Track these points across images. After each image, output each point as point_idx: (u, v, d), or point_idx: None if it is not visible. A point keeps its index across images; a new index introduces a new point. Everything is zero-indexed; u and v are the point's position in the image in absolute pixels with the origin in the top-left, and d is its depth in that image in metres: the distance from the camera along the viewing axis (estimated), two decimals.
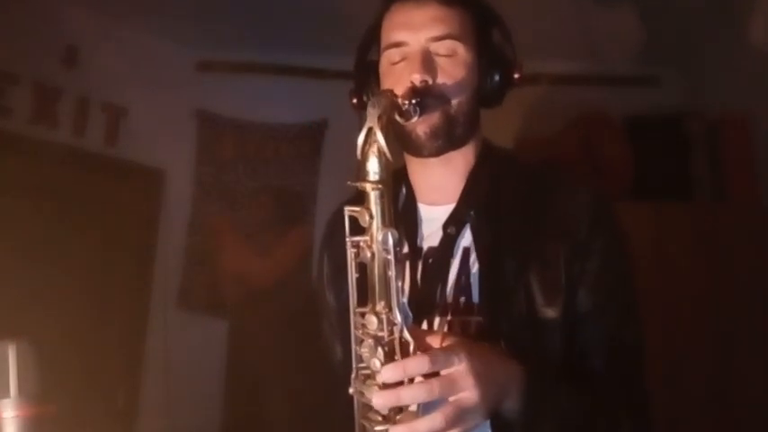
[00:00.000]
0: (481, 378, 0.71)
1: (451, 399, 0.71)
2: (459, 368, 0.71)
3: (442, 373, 0.71)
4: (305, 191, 3.25)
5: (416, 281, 0.94)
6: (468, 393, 0.71)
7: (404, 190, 1.01)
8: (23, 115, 2.69)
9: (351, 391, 0.78)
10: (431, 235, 0.97)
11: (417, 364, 0.70)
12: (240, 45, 3.18)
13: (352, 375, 0.78)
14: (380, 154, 0.76)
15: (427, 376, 0.71)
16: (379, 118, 0.76)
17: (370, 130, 0.76)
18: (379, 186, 0.76)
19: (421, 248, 0.97)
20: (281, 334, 2.75)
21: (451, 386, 0.71)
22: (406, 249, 0.96)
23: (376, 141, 0.76)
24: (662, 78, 3.17)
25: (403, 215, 0.98)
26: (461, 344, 0.73)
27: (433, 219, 0.98)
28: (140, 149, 3.03)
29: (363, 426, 0.78)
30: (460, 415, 0.71)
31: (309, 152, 3.29)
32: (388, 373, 0.71)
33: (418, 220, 0.99)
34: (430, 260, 0.95)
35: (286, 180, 3.27)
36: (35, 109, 2.73)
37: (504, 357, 0.79)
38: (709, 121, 2.75)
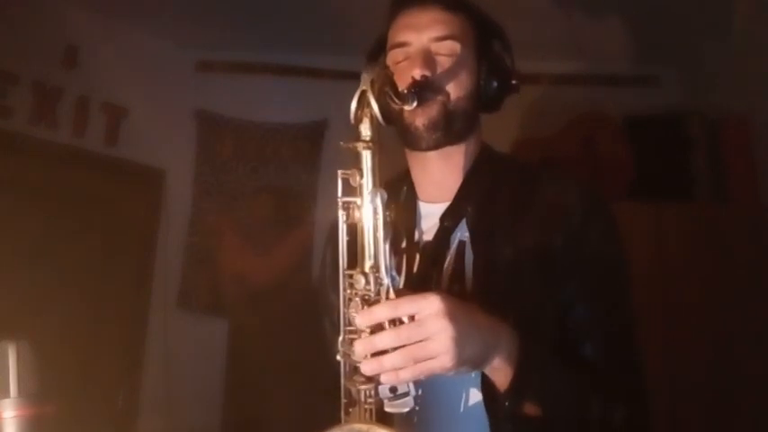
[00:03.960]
0: (455, 321, 0.72)
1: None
2: (430, 311, 0.72)
3: (417, 318, 0.73)
4: (305, 191, 3.24)
5: (413, 272, 0.96)
6: (437, 335, 0.71)
7: (405, 187, 1.05)
8: (23, 115, 2.69)
9: (338, 356, 0.79)
10: (429, 230, 1.00)
11: (383, 308, 0.73)
12: (240, 45, 3.18)
13: (340, 338, 0.79)
14: (372, 117, 0.78)
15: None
16: (372, 82, 0.79)
17: (363, 93, 0.78)
18: (370, 145, 0.78)
19: (419, 242, 0.99)
20: (281, 334, 2.75)
21: (419, 329, 0.72)
22: (404, 244, 0.99)
23: (368, 105, 0.78)
24: (662, 78, 3.17)
25: (403, 210, 1.02)
26: (438, 292, 0.74)
27: (431, 214, 1.01)
28: (140, 149, 3.03)
29: (348, 389, 0.79)
30: (425, 354, 0.72)
31: (309, 152, 3.29)
32: (358, 320, 0.74)
33: (417, 215, 1.02)
34: (426, 251, 0.98)
35: (286, 180, 3.27)
36: (35, 109, 2.73)
37: (492, 316, 0.80)
38: (709, 121, 2.74)
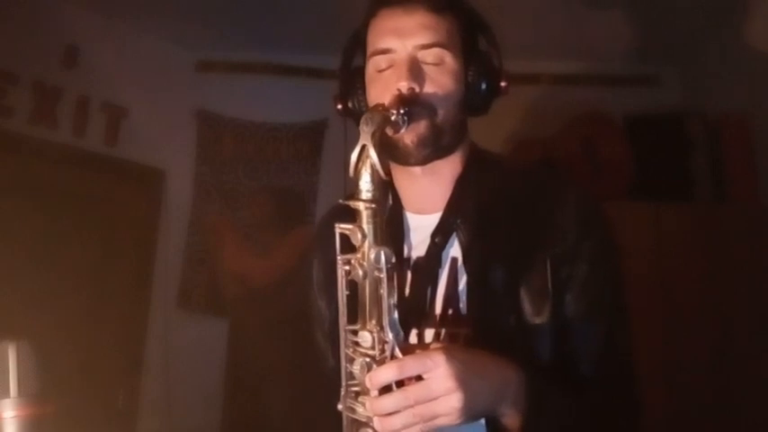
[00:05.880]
0: (462, 381, 0.71)
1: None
2: (437, 372, 0.71)
3: (424, 377, 0.72)
4: (305, 191, 3.24)
5: (404, 291, 0.92)
6: (445, 396, 0.71)
7: (390, 198, 0.99)
8: (23, 115, 2.69)
9: (339, 407, 0.78)
10: (419, 244, 0.95)
11: (389, 370, 0.72)
12: (240, 45, 3.19)
13: (342, 392, 0.78)
14: (373, 171, 0.76)
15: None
16: (373, 135, 0.76)
17: (363, 147, 0.76)
18: (372, 205, 0.76)
19: (409, 258, 0.95)
20: (281, 334, 2.75)
21: (426, 390, 0.71)
22: (393, 260, 0.95)
23: (369, 158, 0.76)
24: (662, 78, 3.18)
25: (389, 224, 0.95)
26: (442, 349, 0.73)
27: (420, 227, 0.96)
28: (140, 149, 3.03)
29: None
30: (433, 415, 0.72)
31: (309, 152, 3.29)
32: (366, 382, 0.74)
33: (405, 229, 0.98)
34: (418, 270, 0.94)
35: (286, 180, 3.27)
36: (35, 109, 2.73)
37: (498, 362, 0.78)
38: (709, 121, 2.75)
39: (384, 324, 0.74)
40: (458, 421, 0.73)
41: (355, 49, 1.00)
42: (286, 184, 3.26)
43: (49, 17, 2.70)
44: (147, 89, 3.03)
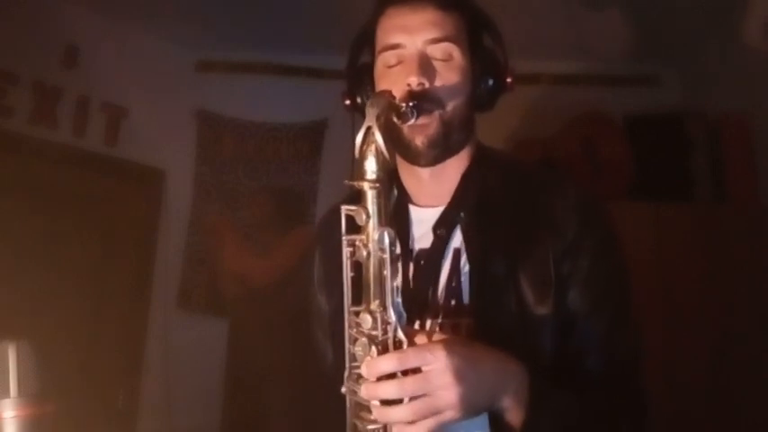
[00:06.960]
0: (461, 376, 0.71)
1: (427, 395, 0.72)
2: (436, 366, 0.71)
3: (423, 369, 0.72)
4: (305, 191, 3.24)
5: (408, 282, 0.93)
6: (443, 391, 0.71)
7: (395, 191, 1.01)
8: (23, 115, 2.69)
9: (343, 389, 0.78)
10: (422, 236, 0.97)
11: (389, 361, 0.72)
12: (240, 45, 3.19)
13: (345, 374, 0.78)
14: (378, 153, 0.76)
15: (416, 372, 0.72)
16: (378, 117, 0.77)
17: (368, 129, 0.77)
18: (377, 185, 0.77)
19: (412, 250, 0.97)
20: (281, 334, 2.75)
21: (424, 383, 0.71)
22: (398, 250, 0.96)
23: (374, 141, 0.76)
24: (662, 78, 3.18)
25: (394, 216, 0.97)
26: (443, 342, 0.73)
27: (424, 220, 0.98)
28: (140, 149, 3.04)
29: (355, 425, 0.78)
30: (432, 410, 0.72)
31: (309, 152, 3.29)
32: (364, 370, 0.73)
33: (409, 221, 0.99)
34: (421, 262, 0.95)
35: (286, 180, 3.27)
36: (35, 109, 2.73)
37: (499, 356, 0.78)
38: (709, 121, 2.75)
39: (387, 305, 0.75)
40: (458, 416, 0.73)
41: (362, 46, 1.01)
42: (286, 184, 3.26)
43: (49, 17, 2.71)
44: (147, 89, 3.03)
